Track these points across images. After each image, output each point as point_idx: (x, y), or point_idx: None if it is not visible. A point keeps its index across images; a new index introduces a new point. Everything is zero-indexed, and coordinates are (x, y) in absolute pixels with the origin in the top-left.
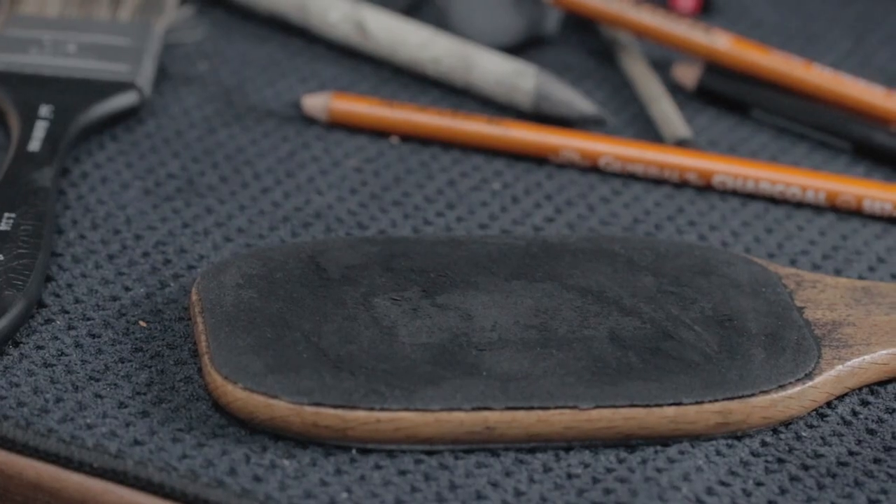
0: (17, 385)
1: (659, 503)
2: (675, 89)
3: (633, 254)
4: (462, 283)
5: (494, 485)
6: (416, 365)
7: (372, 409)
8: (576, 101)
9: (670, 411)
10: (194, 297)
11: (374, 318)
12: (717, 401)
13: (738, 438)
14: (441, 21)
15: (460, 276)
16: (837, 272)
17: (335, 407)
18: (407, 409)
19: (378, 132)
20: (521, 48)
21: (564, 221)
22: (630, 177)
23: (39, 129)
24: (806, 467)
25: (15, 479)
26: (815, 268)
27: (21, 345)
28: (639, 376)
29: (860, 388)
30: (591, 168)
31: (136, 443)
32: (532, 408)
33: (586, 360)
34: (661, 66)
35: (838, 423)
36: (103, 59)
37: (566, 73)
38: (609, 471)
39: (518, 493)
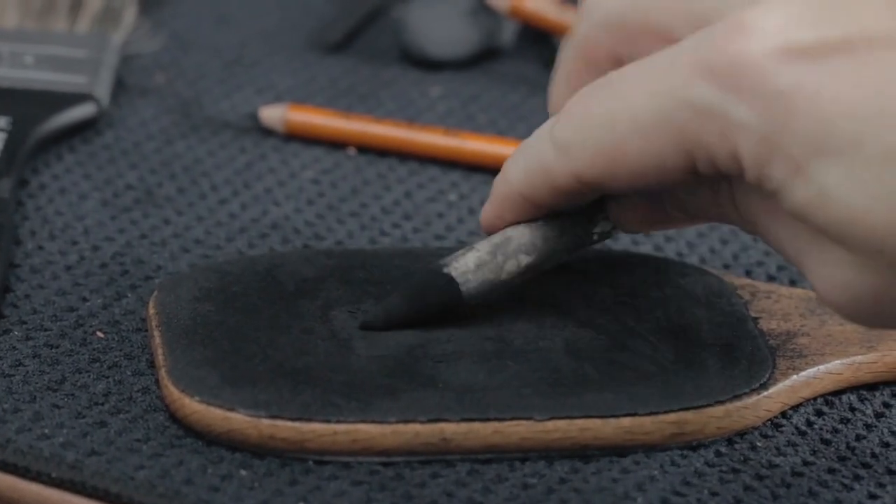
0: None
1: None
2: None
3: (589, 265)
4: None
5: (449, 495)
6: (373, 377)
7: (328, 421)
8: None
9: (626, 422)
10: (151, 311)
11: (330, 330)
12: (672, 411)
13: (693, 449)
14: (398, 33)
15: None
16: (792, 283)
17: (292, 419)
18: (363, 421)
19: (335, 143)
20: (476, 60)
21: None
22: None
23: None
24: (760, 477)
25: None
26: (770, 279)
27: None
28: (594, 387)
29: (815, 399)
30: None
31: (94, 453)
32: (488, 419)
33: (542, 371)
34: None
35: (793, 434)
36: (61, 71)
37: (521, 84)
38: (564, 481)
39: (473, 503)
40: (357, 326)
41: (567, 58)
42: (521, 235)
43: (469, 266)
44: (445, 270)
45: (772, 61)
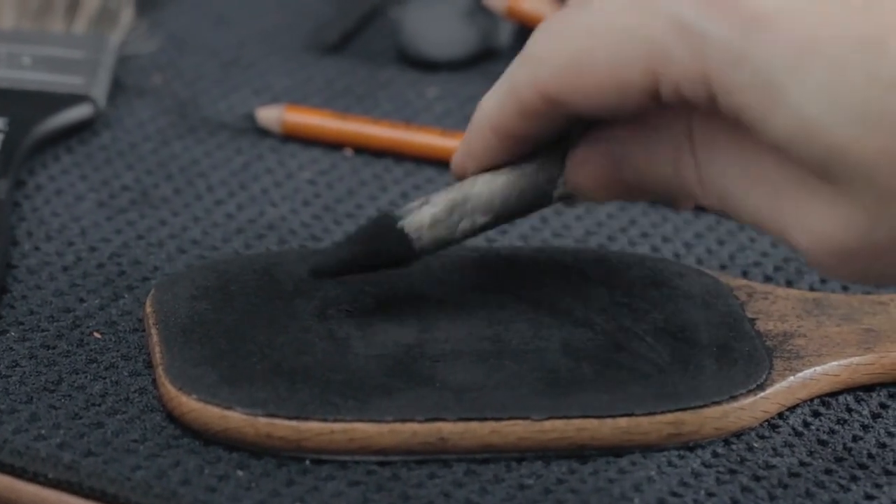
0: None
1: None
2: None
3: (586, 266)
4: (415, 295)
5: (446, 495)
6: (370, 376)
7: (326, 419)
8: None
9: (623, 422)
10: (148, 310)
11: (328, 329)
12: (669, 412)
13: (690, 449)
14: (395, 34)
15: (414, 288)
16: (789, 284)
17: (289, 418)
18: (361, 420)
19: (331, 144)
20: (473, 60)
21: (517, 234)
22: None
23: None
24: (757, 478)
25: None
26: (767, 279)
27: None
28: (591, 387)
29: (812, 400)
30: None
31: (90, 453)
32: (485, 419)
33: (539, 371)
34: None
35: (790, 434)
36: (58, 72)
37: None
38: (561, 481)
39: None
40: (307, 273)
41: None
42: (479, 195)
43: (424, 222)
44: (399, 224)
45: None
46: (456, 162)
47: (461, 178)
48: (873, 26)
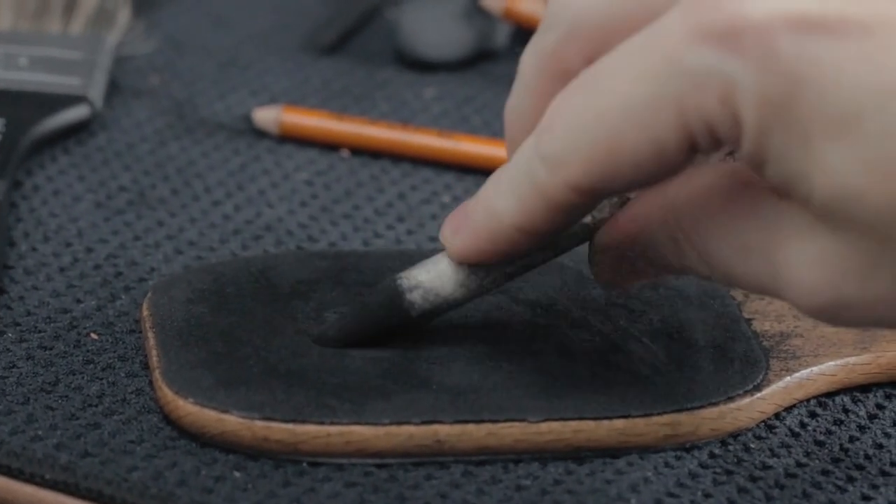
0: None
1: None
2: None
3: (582, 266)
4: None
5: (443, 496)
6: (367, 378)
7: (322, 422)
8: None
9: (619, 423)
10: (145, 312)
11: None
12: (665, 413)
13: (687, 450)
14: (392, 35)
15: None
16: None
17: (286, 421)
18: (357, 423)
19: (328, 145)
20: (470, 62)
21: None
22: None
23: None
24: (754, 479)
25: None
26: None
27: None
28: (588, 389)
29: (808, 400)
30: None
31: (87, 454)
32: (482, 421)
33: (536, 372)
34: None
35: (786, 435)
36: (55, 73)
37: None
38: (557, 482)
39: None
40: (311, 340)
41: (530, 72)
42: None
43: (422, 282)
44: (399, 290)
45: (778, 25)
46: (467, 256)
47: (466, 261)
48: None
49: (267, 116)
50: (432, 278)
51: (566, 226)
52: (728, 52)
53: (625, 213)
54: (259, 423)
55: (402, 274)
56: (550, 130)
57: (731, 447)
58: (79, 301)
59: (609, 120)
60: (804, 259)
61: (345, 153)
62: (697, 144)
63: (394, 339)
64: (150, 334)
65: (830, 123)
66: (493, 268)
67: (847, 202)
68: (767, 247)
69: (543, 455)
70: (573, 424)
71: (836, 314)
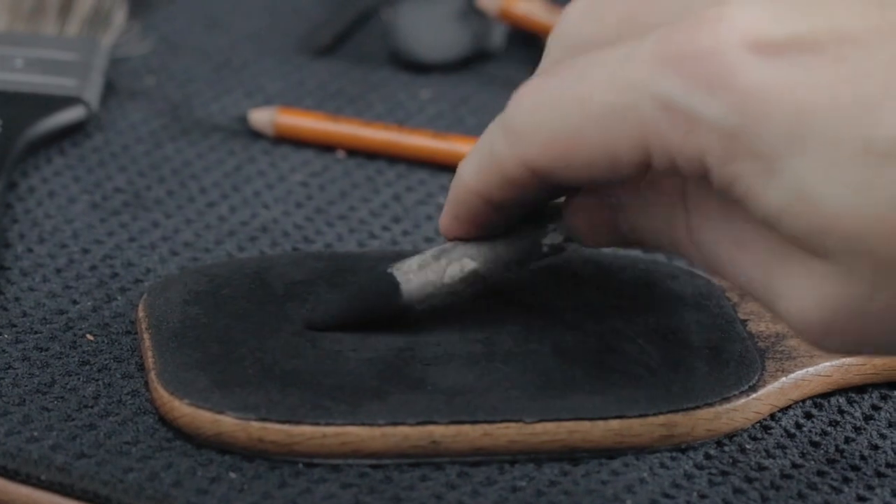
0: None
1: None
2: None
3: (578, 268)
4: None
5: (438, 497)
6: (362, 380)
7: (318, 423)
8: None
9: (615, 424)
10: (141, 314)
11: (319, 333)
12: (661, 413)
13: (683, 451)
14: (387, 36)
15: None
16: None
17: (281, 422)
18: (353, 424)
19: (324, 146)
20: (466, 62)
21: None
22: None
23: None
24: (750, 480)
25: None
26: None
27: None
28: (583, 389)
29: (804, 401)
30: None
31: (83, 455)
32: (477, 421)
33: (531, 373)
34: None
35: (782, 436)
36: (50, 74)
37: (510, 87)
38: (553, 483)
39: None
40: (302, 324)
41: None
42: (468, 243)
43: (412, 267)
44: (388, 271)
45: (743, 54)
46: (444, 225)
47: (450, 236)
48: (866, 93)
49: (262, 118)
50: (423, 264)
51: (522, 202)
52: (696, 85)
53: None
54: (255, 424)
55: (396, 263)
56: (519, 104)
57: (726, 448)
58: (75, 302)
59: (575, 112)
60: (797, 281)
61: (340, 154)
62: (652, 164)
63: (384, 328)
64: (146, 335)
65: (786, 147)
66: (481, 253)
67: (829, 229)
68: (764, 257)
69: (539, 456)
70: (568, 425)
71: (828, 338)
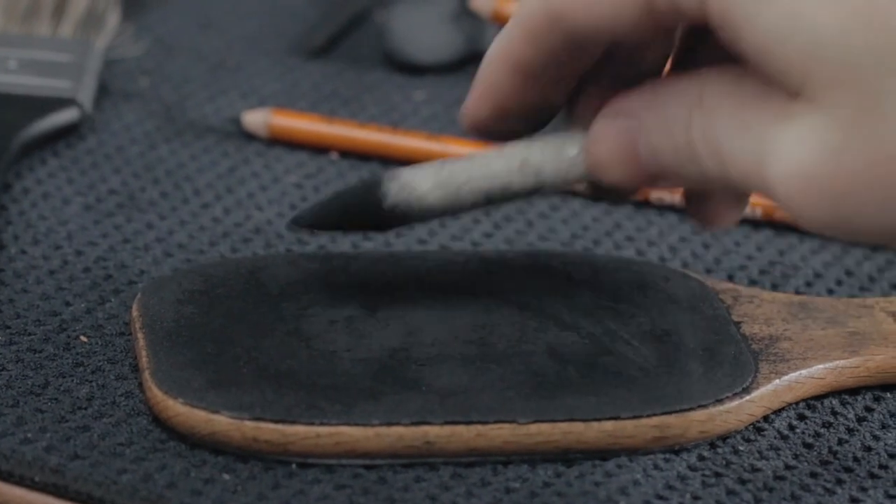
0: None
1: None
2: None
3: (572, 269)
4: (401, 299)
5: (433, 498)
6: (356, 380)
7: (312, 423)
8: None
9: (608, 425)
10: (135, 313)
11: (314, 333)
12: (654, 415)
13: (676, 452)
14: (382, 38)
15: (400, 292)
16: (774, 287)
17: (275, 422)
18: (347, 424)
19: (318, 148)
20: (459, 64)
21: (503, 237)
22: (568, 192)
23: None
24: (743, 481)
25: None
26: (753, 283)
27: None
28: (577, 391)
29: (797, 403)
30: None
31: (77, 457)
32: (471, 422)
33: (525, 374)
34: None
35: (775, 438)
36: (44, 76)
37: None
38: (547, 485)
39: None
40: (286, 225)
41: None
42: (486, 156)
43: (422, 171)
44: (380, 174)
45: None
46: (468, 107)
47: (474, 126)
48: None
49: (256, 119)
50: (414, 172)
51: (541, 70)
52: None
53: (651, 82)
54: (249, 424)
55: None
56: None
57: (720, 450)
58: (68, 304)
59: None
60: (783, 135)
61: (334, 156)
62: (655, 3)
63: (367, 233)
64: (140, 335)
65: None
66: (473, 175)
67: (822, 50)
68: (760, 126)
69: (533, 457)
70: (562, 426)
71: (811, 197)
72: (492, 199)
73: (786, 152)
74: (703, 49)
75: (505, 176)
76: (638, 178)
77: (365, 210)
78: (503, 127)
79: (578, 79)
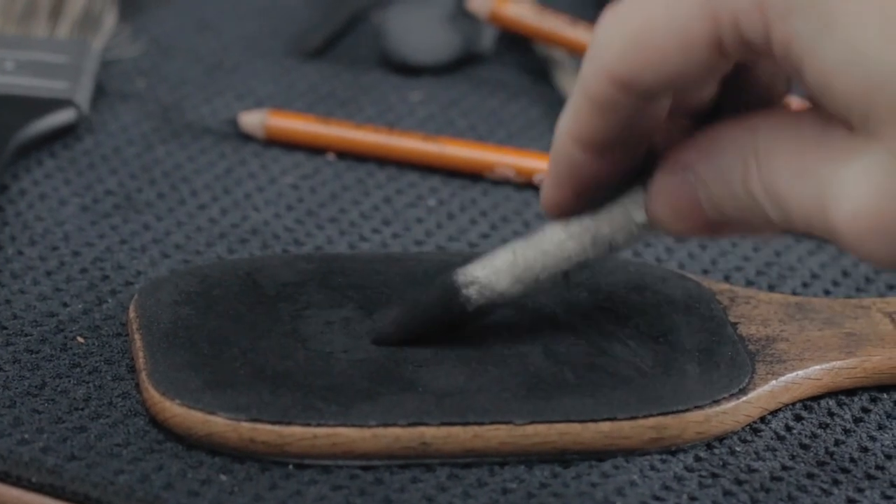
0: None
1: None
2: None
3: (569, 270)
4: (398, 300)
5: (429, 500)
6: (353, 381)
7: (308, 424)
8: None
9: (605, 426)
10: (132, 314)
11: (310, 334)
12: (651, 416)
13: (673, 453)
14: (378, 39)
15: (396, 293)
16: (771, 288)
17: (272, 423)
18: (343, 425)
19: (314, 149)
20: (456, 65)
21: (500, 238)
22: None
23: None
24: (739, 482)
25: None
26: (749, 284)
27: None
28: (574, 392)
29: (794, 404)
30: (527, 184)
31: (74, 458)
32: (468, 423)
33: (522, 375)
34: None
35: (772, 438)
36: (41, 77)
37: (501, 89)
38: (543, 486)
39: None
40: (370, 341)
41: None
42: (555, 225)
43: (492, 266)
44: (454, 280)
45: None
46: (547, 196)
47: (556, 212)
48: None
49: (253, 120)
50: (488, 274)
51: (612, 141)
52: None
53: (704, 132)
54: (245, 425)
55: (459, 270)
56: (599, 25)
57: (716, 450)
58: (65, 304)
59: (643, 10)
60: (845, 174)
61: (331, 157)
62: (723, 42)
63: (450, 335)
64: (137, 336)
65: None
66: (549, 262)
67: (885, 87)
68: (820, 168)
69: (529, 458)
70: (559, 427)
71: (878, 238)
72: (568, 275)
73: (848, 192)
74: (734, 89)
75: (580, 255)
76: (704, 229)
77: (450, 318)
78: (585, 204)
79: (651, 136)
